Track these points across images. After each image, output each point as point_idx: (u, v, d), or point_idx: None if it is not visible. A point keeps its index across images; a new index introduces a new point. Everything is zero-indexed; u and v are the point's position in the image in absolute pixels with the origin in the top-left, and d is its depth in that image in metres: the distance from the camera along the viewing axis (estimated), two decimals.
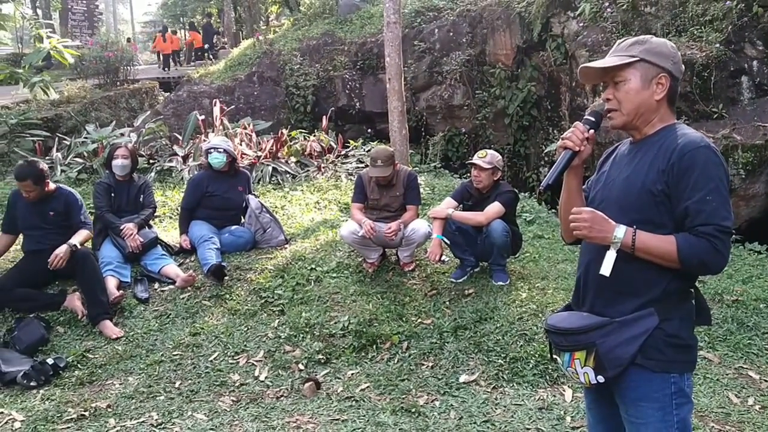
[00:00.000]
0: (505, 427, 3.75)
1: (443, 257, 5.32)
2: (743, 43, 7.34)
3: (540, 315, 4.77)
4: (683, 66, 2.13)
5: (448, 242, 5.29)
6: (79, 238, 5.28)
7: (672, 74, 2.07)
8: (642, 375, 2.06)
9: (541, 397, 4.06)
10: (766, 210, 7.13)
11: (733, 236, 6.69)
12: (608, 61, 2.11)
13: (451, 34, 12.17)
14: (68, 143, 10.10)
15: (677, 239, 1.96)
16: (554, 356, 2.25)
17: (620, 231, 2.00)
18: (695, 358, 2.12)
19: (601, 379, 2.07)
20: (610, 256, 2.05)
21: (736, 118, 7.15)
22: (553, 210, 8.40)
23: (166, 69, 22.01)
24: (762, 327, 4.67)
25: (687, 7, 7.95)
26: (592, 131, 2.15)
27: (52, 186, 5.41)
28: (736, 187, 6.84)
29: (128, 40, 26.87)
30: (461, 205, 5.42)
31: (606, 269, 2.05)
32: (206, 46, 23.41)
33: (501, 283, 5.31)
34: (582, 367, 2.10)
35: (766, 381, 4.13)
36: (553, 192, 2.29)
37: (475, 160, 5.27)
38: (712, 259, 1.94)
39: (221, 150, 6.28)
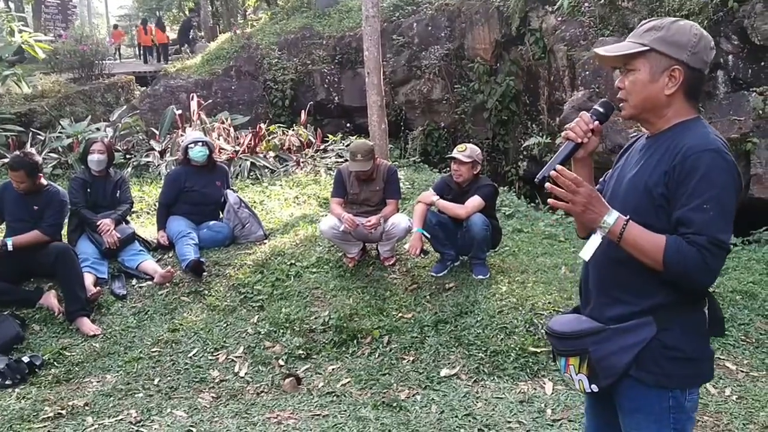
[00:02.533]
0: (486, 420, 3.76)
1: (424, 249, 5.31)
2: (719, 38, 7.40)
3: (520, 308, 4.79)
4: (710, 54, 1.89)
5: (428, 236, 5.29)
6: (20, 237, 5.11)
7: (689, 66, 1.86)
8: (638, 387, 1.93)
9: (522, 390, 4.08)
10: (741, 203, 7.21)
11: None
12: (619, 47, 1.96)
13: (430, 28, 12.16)
14: (43, 138, 9.97)
15: (667, 239, 1.80)
16: (557, 359, 2.13)
17: (611, 217, 1.84)
18: (702, 372, 1.95)
19: (594, 388, 1.95)
20: (594, 241, 1.95)
21: (712, 113, 7.22)
22: (533, 204, 8.44)
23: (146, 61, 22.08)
24: (738, 318, 4.73)
25: (664, 1, 8.00)
26: (597, 122, 2.03)
27: (43, 181, 5.34)
28: None
29: (115, 27, 26.76)
30: (441, 199, 5.43)
31: (587, 253, 1.97)
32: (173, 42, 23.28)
33: (481, 276, 5.31)
34: (576, 374, 1.98)
35: (743, 372, 4.19)
36: (533, 186, 2.24)
37: (455, 154, 5.27)
38: (698, 271, 1.77)
39: (203, 143, 6.24)
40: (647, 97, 1.92)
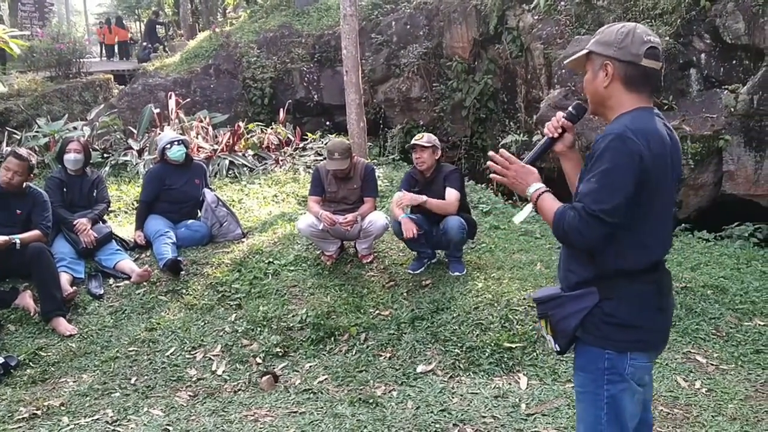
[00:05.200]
0: (462, 415, 3.79)
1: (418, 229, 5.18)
2: (691, 37, 7.50)
3: (495, 304, 4.84)
4: (641, 47, 2.10)
5: (414, 218, 5.23)
6: (26, 235, 5.13)
7: (619, 60, 2.10)
8: (581, 347, 2.22)
9: (497, 386, 4.12)
10: (713, 199, 7.32)
11: (682, 225, 6.91)
12: (571, 56, 2.28)
13: (409, 26, 12.17)
14: (19, 137, 9.87)
15: (559, 206, 2.11)
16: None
17: (533, 188, 2.20)
18: (643, 339, 2.15)
19: (557, 347, 2.24)
20: (526, 209, 2.32)
21: (686, 110, 7.31)
22: (510, 201, 8.50)
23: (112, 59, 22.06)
24: (709, 313, 4.81)
25: (638, 0, 8.09)
26: (563, 120, 2.30)
27: (23, 184, 5.32)
28: (684, 177, 7.01)
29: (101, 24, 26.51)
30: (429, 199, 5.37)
31: (518, 218, 2.37)
32: (145, 43, 23.13)
33: (457, 273, 5.36)
34: (547, 334, 2.28)
35: (712, 365, 4.26)
36: None
37: (416, 142, 5.29)
38: (572, 233, 2.03)
39: (179, 142, 6.24)
40: (592, 93, 2.21)
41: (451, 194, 5.26)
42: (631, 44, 2.10)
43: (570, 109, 2.32)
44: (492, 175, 2.31)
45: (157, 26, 23.95)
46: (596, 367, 2.15)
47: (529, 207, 2.31)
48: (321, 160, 9.26)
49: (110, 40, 22.98)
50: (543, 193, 2.18)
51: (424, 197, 5.18)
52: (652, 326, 2.16)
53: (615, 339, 2.12)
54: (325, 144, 10.01)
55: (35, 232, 5.20)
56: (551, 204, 2.14)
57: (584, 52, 2.20)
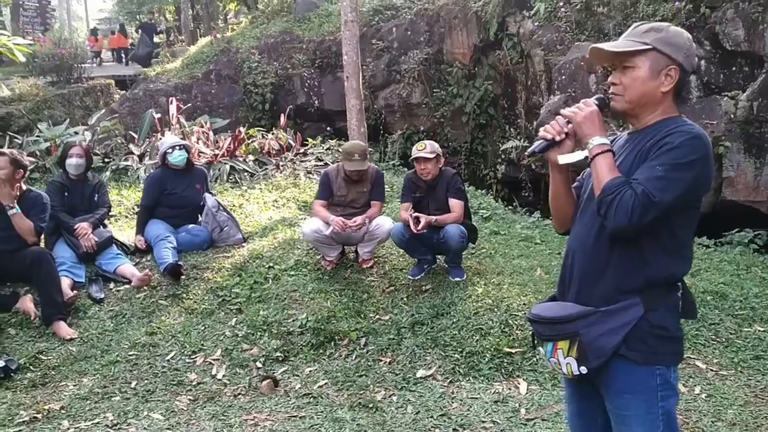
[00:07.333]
0: (461, 420, 3.80)
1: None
2: None
3: (495, 309, 4.85)
4: (696, 60, 2.03)
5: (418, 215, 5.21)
6: (19, 220, 5.07)
7: (683, 67, 2.01)
8: (626, 367, 2.02)
9: (497, 391, 4.13)
10: (713, 206, 7.33)
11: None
12: (620, 44, 2.06)
13: (409, 32, 12.22)
14: (20, 142, 9.89)
15: (616, 177, 1.95)
16: (537, 347, 2.21)
17: (599, 140, 2.02)
18: (682, 350, 2.09)
19: (583, 369, 2.03)
20: (577, 155, 2.11)
21: (686, 116, 7.33)
22: (510, 207, 8.51)
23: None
24: (709, 318, 4.82)
25: (638, 7, 8.13)
26: (571, 126, 2.13)
27: (23, 186, 5.29)
28: None
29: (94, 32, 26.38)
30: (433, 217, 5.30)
31: (563, 158, 2.12)
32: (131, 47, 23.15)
33: (458, 279, 5.37)
34: (565, 358, 2.05)
35: (712, 370, 4.27)
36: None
37: (418, 154, 5.27)
38: (620, 208, 1.89)
39: (180, 146, 6.26)
40: (645, 93, 2.05)
41: (456, 206, 5.30)
42: (693, 55, 2.05)
43: (593, 100, 2.13)
44: (562, 111, 2.13)
45: (154, 34, 23.94)
46: (647, 386, 2.01)
47: (580, 155, 2.10)
48: (321, 165, 9.30)
49: (97, 47, 23.00)
50: (607, 152, 2.00)
51: (434, 217, 5.18)
52: (683, 336, 2.10)
53: (664, 353, 2.02)
54: (326, 149, 10.07)
55: (27, 222, 5.09)
56: (609, 170, 1.97)
57: (645, 47, 2.01)
